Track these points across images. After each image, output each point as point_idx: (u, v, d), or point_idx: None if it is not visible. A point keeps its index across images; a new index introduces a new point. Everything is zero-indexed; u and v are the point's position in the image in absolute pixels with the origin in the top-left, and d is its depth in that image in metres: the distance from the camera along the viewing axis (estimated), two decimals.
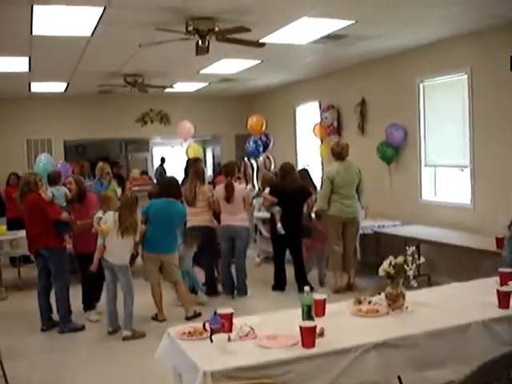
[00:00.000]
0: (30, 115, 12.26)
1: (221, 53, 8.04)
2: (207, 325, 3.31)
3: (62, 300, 6.27)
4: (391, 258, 3.82)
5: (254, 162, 10.62)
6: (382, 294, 3.97)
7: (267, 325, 3.57)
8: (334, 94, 10.26)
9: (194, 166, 7.70)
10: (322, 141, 10.44)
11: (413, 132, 8.31)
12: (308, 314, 3.46)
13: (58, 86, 10.90)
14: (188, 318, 6.35)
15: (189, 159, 9.04)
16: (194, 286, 7.20)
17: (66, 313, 6.31)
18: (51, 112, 12.48)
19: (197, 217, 7.24)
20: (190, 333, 3.38)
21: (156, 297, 6.56)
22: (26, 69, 8.68)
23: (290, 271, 7.79)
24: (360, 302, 3.97)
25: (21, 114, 12.19)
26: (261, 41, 6.73)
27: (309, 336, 3.14)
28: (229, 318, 3.38)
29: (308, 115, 11.35)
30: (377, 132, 9.00)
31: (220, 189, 7.42)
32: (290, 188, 7.56)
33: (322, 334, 3.28)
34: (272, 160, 10.33)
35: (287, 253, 7.77)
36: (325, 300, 3.78)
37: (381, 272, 3.84)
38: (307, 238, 7.82)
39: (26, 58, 7.97)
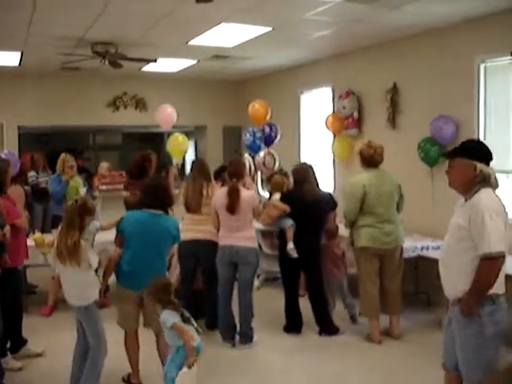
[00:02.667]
0: None
1: (222, 13, 6.08)
2: None
3: None
4: None
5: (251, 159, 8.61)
6: None
7: None
8: (353, 77, 8.33)
9: (197, 162, 6.05)
10: (335, 135, 8.54)
11: (467, 127, 6.40)
12: None
13: (10, 58, 8.75)
14: None
15: (135, 153, 7.01)
16: None
17: None
18: (3, 91, 10.28)
19: (200, 227, 5.46)
20: None
21: (131, 350, 4.56)
22: None
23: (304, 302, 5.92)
24: None
25: None
26: None
27: None
28: None
29: (316, 104, 9.43)
30: (413, 126, 7.16)
31: (220, 195, 5.41)
32: (309, 196, 5.65)
33: None
34: (276, 157, 8.37)
35: None
36: None
37: None
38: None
39: None
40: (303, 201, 5.61)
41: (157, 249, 4.44)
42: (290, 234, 5.62)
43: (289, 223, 5.65)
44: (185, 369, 3.83)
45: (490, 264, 3.09)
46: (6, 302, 4.67)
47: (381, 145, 5.63)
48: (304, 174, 5.80)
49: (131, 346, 4.54)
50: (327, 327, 5.72)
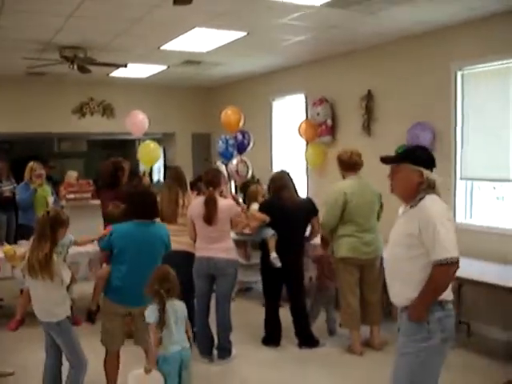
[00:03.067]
0: None
1: (197, 18, 5.92)
2: None
3: None
4: None
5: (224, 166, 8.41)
6: None
7: None
8: (327, 84, 8.25)
9: (173, 170, 5.80)
10: (308, 142, 8.44)
11: (444, 134, 6.38)
12: None
13: None
14: None
15: (106, 161, 6.76)
16: None
17: None
18: None
19: (176, 238, 5.13)
20: None
21: (110, 370, 4.30)
22: None
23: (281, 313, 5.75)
24: None
25: None
26: None
27: None
28: None
29: (288, 111, 9.32)
30: (389, 133, 7.09)
31: (197, 205, 5.22)
32: (288, 203, 5.51)
33: None
34: (249, 165, 8.20)
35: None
36: None
37: None
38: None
39: None
40: (283, 209, 5.46)
41: (151, 260, 4.19)
42: (271, 243, 5.46)
43: (270, 233, 5.49)
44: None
45: (444, 270, 3.00)
46: None
47: (357, 150, 5.55)
48: (282, 181, 5.66)
49: (111, 366, 4.30)
50: (307, 340, 5.58)
